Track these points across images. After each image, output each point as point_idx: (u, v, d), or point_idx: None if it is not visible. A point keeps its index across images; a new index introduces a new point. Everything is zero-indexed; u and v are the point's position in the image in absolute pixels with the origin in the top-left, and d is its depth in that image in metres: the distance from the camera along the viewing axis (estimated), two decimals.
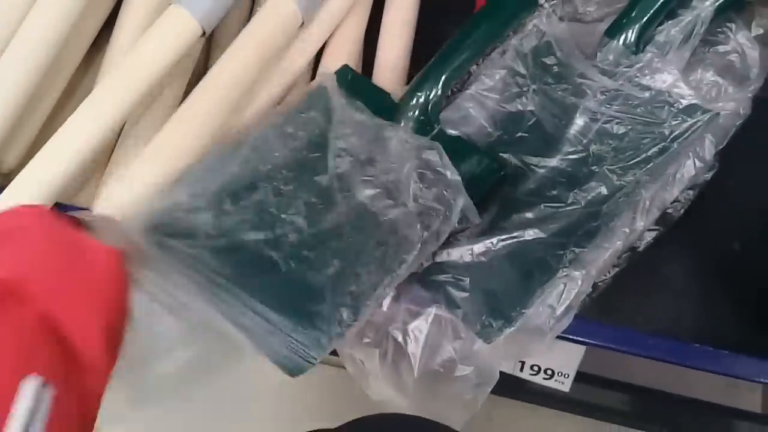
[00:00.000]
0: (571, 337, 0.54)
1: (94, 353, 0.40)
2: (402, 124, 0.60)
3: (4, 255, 0.40)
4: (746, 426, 0.80)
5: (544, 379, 0.60)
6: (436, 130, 0.60)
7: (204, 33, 0.58)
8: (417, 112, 0.60)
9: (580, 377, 0.61)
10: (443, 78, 0.61)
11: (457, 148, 0.58)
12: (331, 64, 0.65)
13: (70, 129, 0.55)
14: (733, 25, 0.60)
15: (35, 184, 0.54)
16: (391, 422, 0.56)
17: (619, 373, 0.76)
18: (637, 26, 0.57)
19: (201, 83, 0.59)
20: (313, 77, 0.67)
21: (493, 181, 0.57)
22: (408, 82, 0.65)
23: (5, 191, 0.54)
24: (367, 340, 0.52)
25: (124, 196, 0.55)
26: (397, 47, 0.67)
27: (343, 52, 0.66)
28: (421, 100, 0.60)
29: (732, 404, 0.78)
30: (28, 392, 0.35)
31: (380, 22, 0.68)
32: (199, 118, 0.58)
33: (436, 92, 0.60)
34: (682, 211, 0.59)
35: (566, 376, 0.60)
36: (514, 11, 0.64)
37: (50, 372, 0.36)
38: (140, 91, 0.56)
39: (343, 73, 0.63)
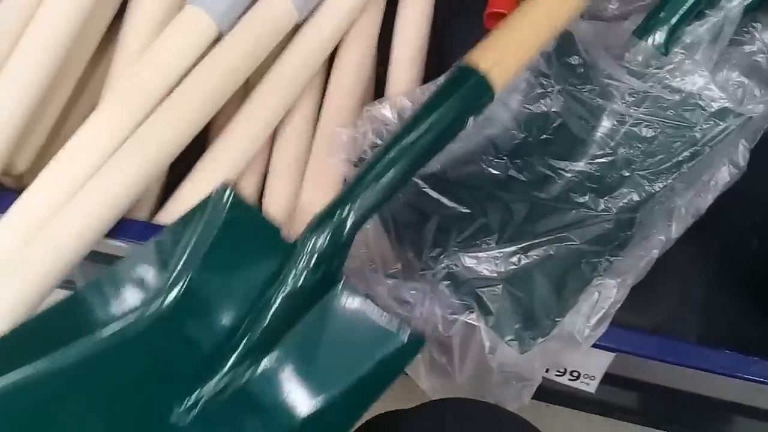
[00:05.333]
0: (603, 344, 0.53)
1: None
2: (293, 274, 0.46)
3: None
4: None
5: (570, 380, 0.60)
6: (338, 291, 0.47)
7: (221, 35, 0.56)
8: (315, 259, 0.46)
9: (606, 378, 0.60)
10: (351, 217, 0.46)
11: (362, 309, 0.47)
12: (345, 63, 0.64)
13: (83, 138, 0.53)
14: (759, 25, 0.59)
15: (50, 192, 0.52)
16: (468, 406, 0.53)
17: (638, 372, 0.75)
18: (667, 26, 0.56)
19: (187, 78, 0.56)
20: (326, 78, 0.65)
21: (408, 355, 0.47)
22: (425, 80, 0.64)
23: (22, 196, 0.52)
24: None
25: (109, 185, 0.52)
26: (412, 44, 0.65)
27: (358, 51, 0.64)
28: (320, 243, 0.46)
29: (756, 404, 0.77)
30: None
31: (394, 19, 0.66)
32: (184, 112, 0.55)
33: (341, 232, 0.46)
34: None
35: (592, 378, 0.59)
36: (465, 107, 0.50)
37: None
38: (157, 97, 0.54)
39: (221, 193, 0.49)
